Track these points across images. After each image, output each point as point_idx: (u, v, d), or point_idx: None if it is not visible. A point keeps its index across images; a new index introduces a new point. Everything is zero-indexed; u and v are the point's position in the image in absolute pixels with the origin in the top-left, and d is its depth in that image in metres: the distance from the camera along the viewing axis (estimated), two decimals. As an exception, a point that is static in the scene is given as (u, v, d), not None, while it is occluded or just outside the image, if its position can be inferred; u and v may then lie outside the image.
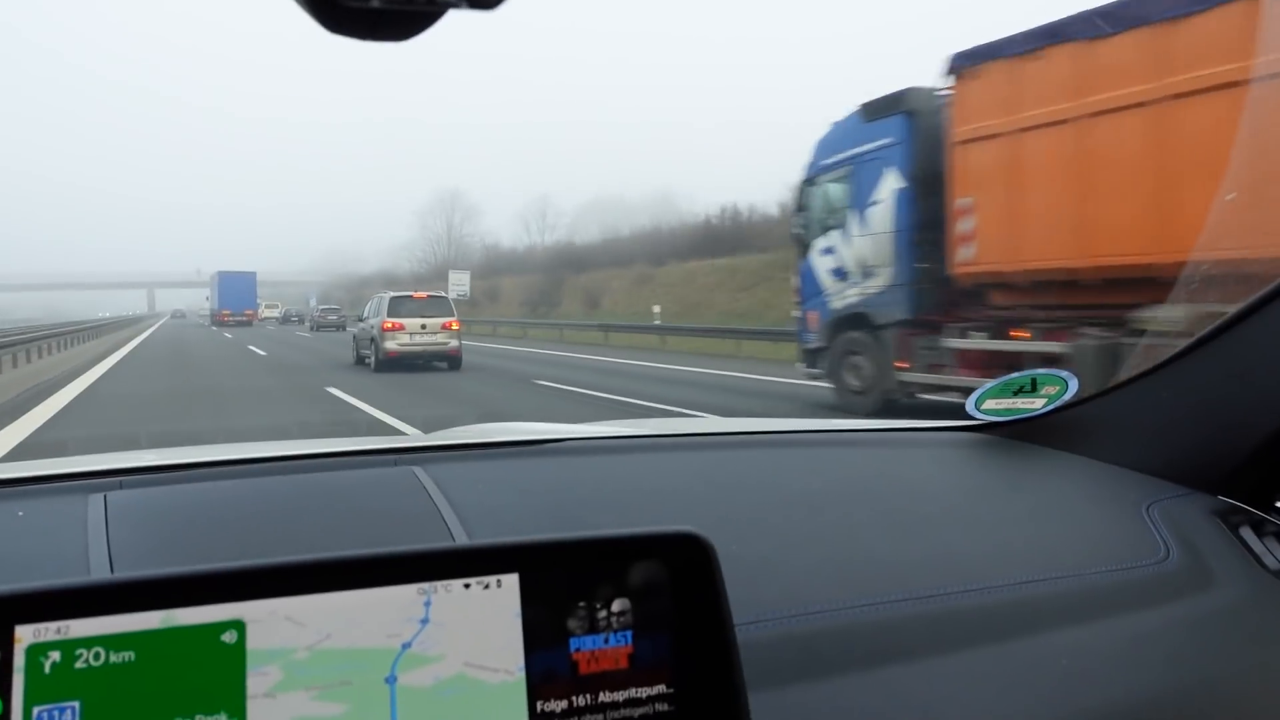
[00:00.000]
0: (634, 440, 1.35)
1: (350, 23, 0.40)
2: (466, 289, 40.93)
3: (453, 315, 16.98)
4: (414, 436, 1.39)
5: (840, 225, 10.12)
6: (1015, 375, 1.34)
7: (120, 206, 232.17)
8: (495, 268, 57.89)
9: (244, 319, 56.27)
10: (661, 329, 25.68)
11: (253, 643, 0.53)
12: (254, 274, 63.48)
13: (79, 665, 0.50)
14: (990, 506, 1.16)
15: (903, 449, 1.32)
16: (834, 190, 10.24)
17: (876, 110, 9.73)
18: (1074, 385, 1.29)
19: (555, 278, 46.46)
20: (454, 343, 16.66)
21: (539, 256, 57.47)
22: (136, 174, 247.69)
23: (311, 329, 43.96)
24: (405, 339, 16.27)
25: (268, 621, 0.54)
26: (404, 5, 0.39)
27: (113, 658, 0.51)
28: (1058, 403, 1.29)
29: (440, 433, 1.49)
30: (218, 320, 56.43)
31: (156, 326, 50.82)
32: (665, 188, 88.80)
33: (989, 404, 1.33)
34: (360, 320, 18.58)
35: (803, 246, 10.85)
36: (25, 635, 0.50)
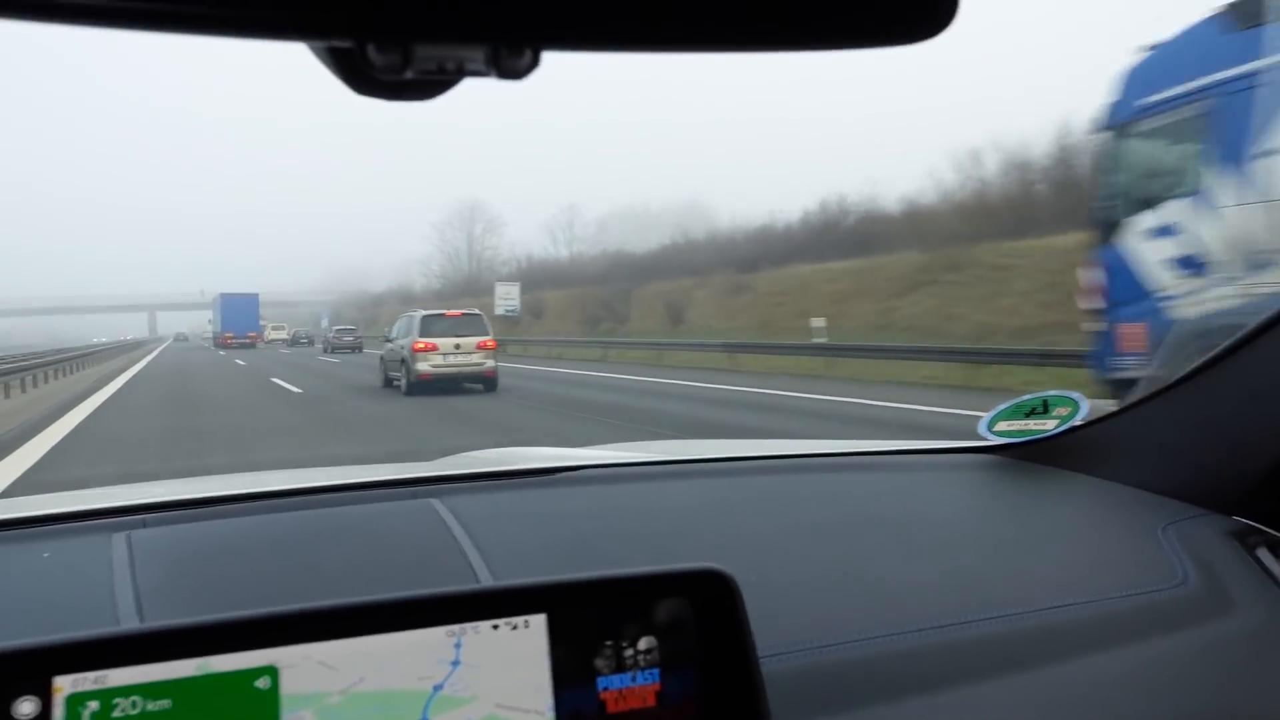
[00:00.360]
0: (650, 468, 1.35)
1: (377, 86, 0.40)
2: (516, 304, 37.23)
3: (488, 334, 16.03)
4: (430, 464, 1.38)
5: (1190, 191, 6.81)
6: (1027, 397, 1.33)
7: (122, 228, 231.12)
8: (534, 280, 52.67)
9: (247, 341, 55.32)
10: (830, 349, 18.73)
11: (287, 688, 0.55)
12: (256, 295, 63.11)
13: (117, 714, 0.52)
14: (1005, 530, 1.18)
15: (916, 472, 1.35)
16: (1174, 139, 6.98)
17: (1257, 11, 6.31)
18: (1085, 406, 1.29)
19: (617, 289, 40.44)
20: (490, 363, 15.72)
21: (590, 267, 50.91)
22: (138, 194, 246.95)
23: (326, 351, 41.17)
24: (439, 360, 15.29)
25: (301, 666, 0.55)
26: (433, 76, 0.39)
27: (150, 706, 0.52)
28: (1070, 424, 1.29)
29: (454, 458, 1.54)
30: (220, 343, 55.63)
31: (157, 352, 46.47)
32: (692, 195, 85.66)
33: (1001, 425, 1.33)
34: (388, 341, 17.39)
35: (1107, 228, 7.50)
36: (64, 685, 0.51)
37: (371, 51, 0.37)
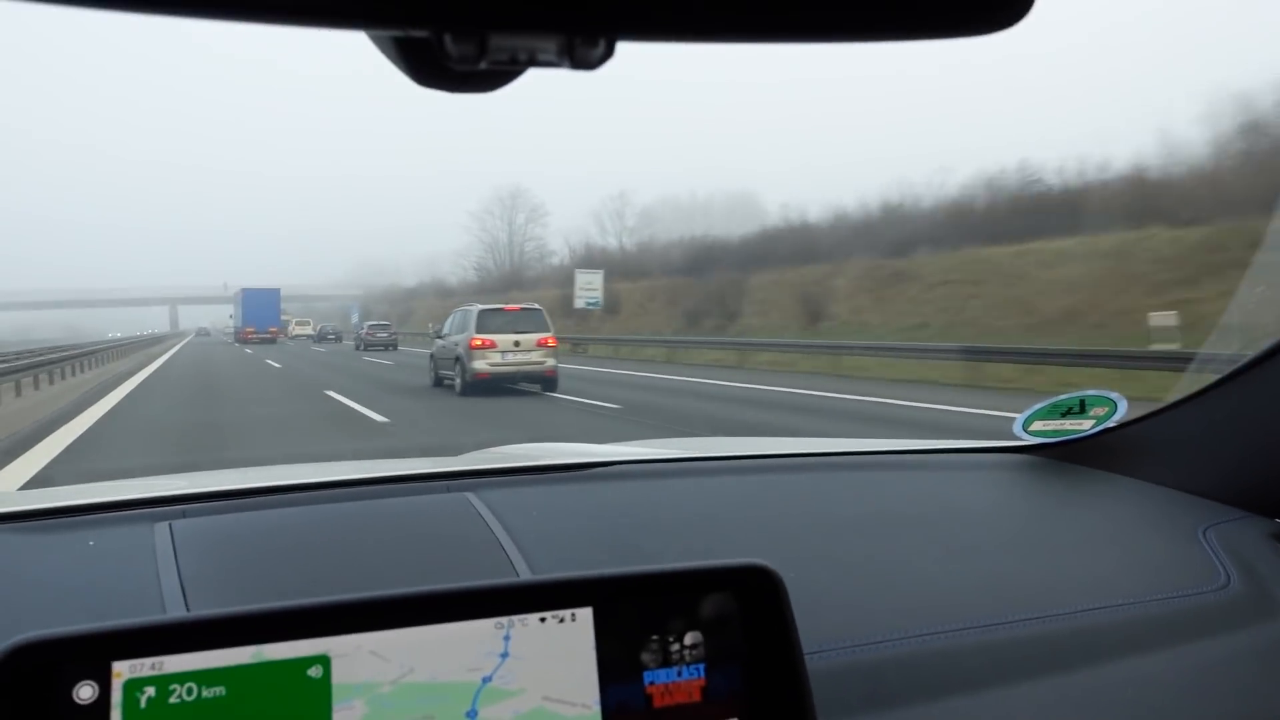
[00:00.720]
0: (684, 464, 1.34)
1: (442, 78, 0.40)
2: (599, 295, 31.75)
3: (549, 330, 15.15)
4: (461, 459, 1.38)
5: None
6: (1063, 396, 1.31)
7: (144, 220, 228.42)
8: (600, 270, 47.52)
9: (268, 336, 54.87)
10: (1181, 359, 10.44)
11: (338, 677, 0.55)
12: (278, 290, 62.68)
13: (173, 700, 0.53)
14: (1043, 531, 1.17)
15: (951, 472, 1.35)
16: None
17: None
18: (1123, 406, 1.29)
19: (726, 280, 33.20)
20: (550, 361, 14.84)
21: (665, 255, 43.47)
22: (161, 186, 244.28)
23: (358, 348, 37.80)
24: (496, 358, 14.43)
25: (353, 656, 0.56)
26: (504, 66, 0.39)
27: (205, 693, 0.53)
28: (1106, 424, 1.28)
29: (485, 452, 1.55)
30: (241, 338, 55.15)
31: (177, 349, 41.96)
32: (742, 185, 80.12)
33: (1036, 425, 1.32)
34: (438, 337, 16.66)
35: None
36: (123, 670, 0.52)
37: (448, 42, 0.37)
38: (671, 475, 1.26)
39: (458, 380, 14.72)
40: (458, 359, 14.80)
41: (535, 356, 14.64)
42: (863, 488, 1.25)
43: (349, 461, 1.26)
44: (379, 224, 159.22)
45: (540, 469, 1.21)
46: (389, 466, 1.21)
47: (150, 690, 0.52)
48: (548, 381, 14.69)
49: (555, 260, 62.06)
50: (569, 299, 34.44)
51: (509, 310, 15.32)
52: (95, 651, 0.52)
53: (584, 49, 0.38)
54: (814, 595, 0.81)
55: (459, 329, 15.29)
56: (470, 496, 1.06)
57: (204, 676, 0.53)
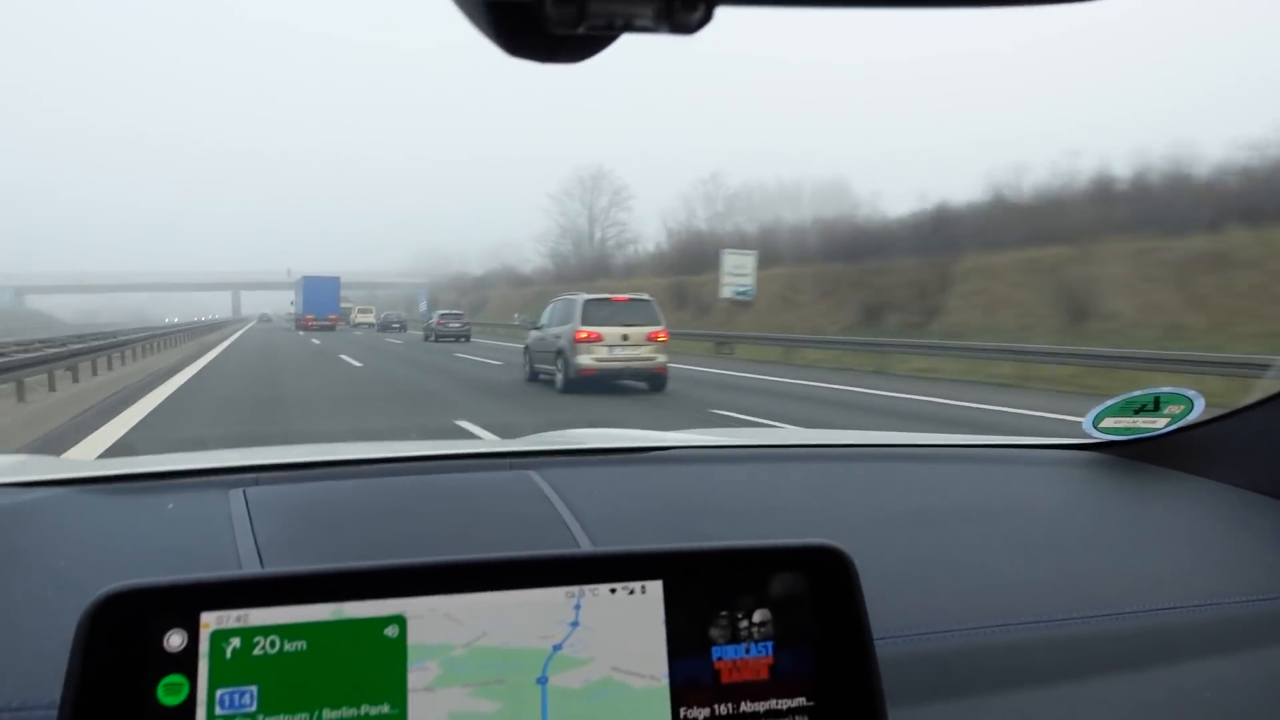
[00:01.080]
0: (745, 450, 1.34)
1: (533, 46, 0.39)
2: (750, 282, 26.30)
3: (660, 324, 14.06)
4: (526, 440, 1.39)
5: None
6: (1137, 393, 1.28)
7: (209, 206, 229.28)
8: (691, 257, 40.21)
9: (328, 324, 54.98)
10: None
11: (413, 637, 0.56)
12: (338, 279, 62.38)
13: (257, 652, 0.54)
14: (1115, 529, 1.15)
15: (1019, 466, 1.31)
16: None
17: None
18: (1200, 405, 1.25)
19: (931, 264, 25.57)
20: (661, 358, 13.85)
21: (838, 234, 34.88)
22: (224, 170, 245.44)
23: (427, 339, 35.25)
24: (604, 353, 13.46)
25: (428, 618, 0.57)
26: (602, 32, 0.38)
27: (287, 646, 0.55)
28: (1181, 423, 1.25)
29: (547, 435, 1.55)
30: (302, 325, 55.48)
31: (237, 336, 38.76)
32: (835, 172, 73.50)
33: (1108, 422, 1.29)
34: (536, 329, 15.51)
35: None
36: (210, 621, 0.54)
37: (549, 4, 0.36)
38: (732, 461, 1.26)
39: (559, 376, 13.88)
40: (559, 352, 13.90)
41: (645, 352, 13.69)
42: (927, 480, 1.24)
43: (418, 442, 1.26)
44: (444, 208, 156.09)
45: (602, 451, 1.24)
46: (454, 446, 1.23)
47: (236, 641, 0.54)
48: (656, 379, 13.79)
49: (637, 248, 56.75)
50: (675, 288, 28.65)
51: (617, 301, 14.31)
52: (185, 602, 0.54)
53: (683, 13, 0.37)
54: (878, 582, 0.78)
55: (560, 320, 14.27)
56: (533, 474, 1.08)
57: (286, 630, 0.55)
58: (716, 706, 0.59)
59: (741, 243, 34.40)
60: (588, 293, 15.19)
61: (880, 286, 26.55)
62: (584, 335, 13.41)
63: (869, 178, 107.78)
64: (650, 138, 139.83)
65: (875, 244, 29.16)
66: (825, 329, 25.50)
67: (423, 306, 56.14)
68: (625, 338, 13.53)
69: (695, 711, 0.58)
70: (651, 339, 13.74)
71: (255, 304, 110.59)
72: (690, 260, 38.96)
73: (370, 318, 60.60)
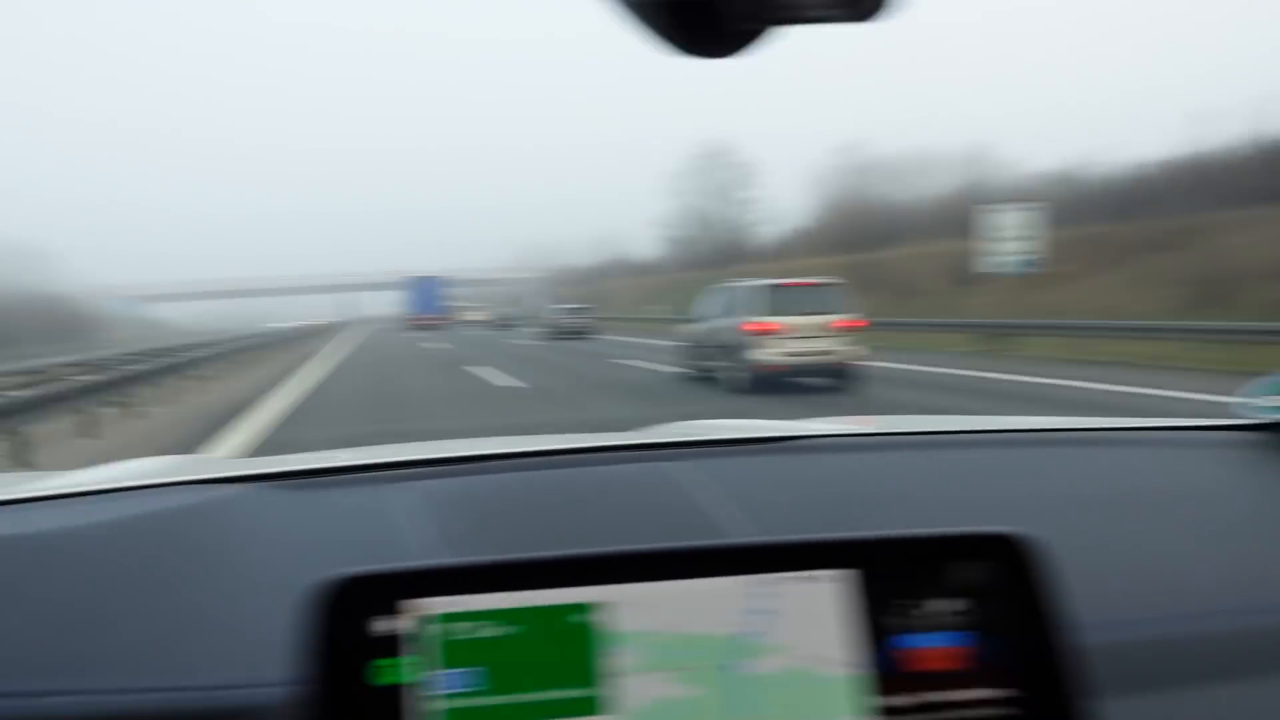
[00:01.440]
0: (883, 438, 1.34)
1: (709, 42, 0.39)
2: (1035, 247, 20.62)
3: (851, 311, 12.65)
4: (648, 431, 1.38)
5: None
6: None
7: (316, 209, 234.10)
8: (896, 224, 34.59)
9: (437, 322, 54.80)
10: None
11: (609, 624, 0.58)
12: (444, 278, 63.80)
13: (469, 636, 0.57)
14: None
15: (1181, 449, 1.28)
16: None
17: None
18: None
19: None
20: (858, 349, 12.40)
21: (1089, 191, 28.48)
22: (322, 171, 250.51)
23: (551, 336, 32.66)
24: (790, 345, 12.06)
25: (620, 605, 0.58)
26: (791, 16, 0.38)
27: (496, 630, 0.57)
28: None
29: (669, 426, 1.54)
30: (410, 324, 55.43)
31: (350, 352, 27.85)
32: (973, 141, 66.70)
33: (1271, 400, 1.24)
34: (694, 322, 14.36)
35: None
36: (415, 607, 0.57)
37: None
38: (870, 450, 1.25)
39: (732, 374, 12.61)
40: (728, 347, 12.72)
41: (834, 344, 12.22)
42: (1081, 464, 1.19)
43: (546, 435, 1.26)
44: (547, 199, 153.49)
45: (733, 442, 1.24)
46: (590, 439, 1.24)
47: (450, 626, 0.57)
48: (850, 376, 12.25)
49: (780, 226, 51.83)
50: (855, 267, 23.64)
51: (798, 286, 13.03)
52: (389, 589, 0.57)
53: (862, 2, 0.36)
54: (1057, 569, 0.76)
55: (726, 310, 13.18)
56: (666, 466, 1.10)
57: (485, 616, 0.57)
58: (911, 695, 0.59)
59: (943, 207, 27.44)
60: (751, 278, 14.04)
61: (1195, 251, 19.77)
62: (764, 326, 12.19)
63: (1011, 144, 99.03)
64: (771, 113, 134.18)
65: (1141, 197, 23.04)
66: (1127, 311, 19.24)
67: (544, 302, 52.98)
68: (813, 327, 12.16)
69: (890, 700, 0.58)
70: (841, 328, 12.29)
71: (365, 306, 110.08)
72: (853, 235, 33.97)
73: (483, 314, 57.89)
